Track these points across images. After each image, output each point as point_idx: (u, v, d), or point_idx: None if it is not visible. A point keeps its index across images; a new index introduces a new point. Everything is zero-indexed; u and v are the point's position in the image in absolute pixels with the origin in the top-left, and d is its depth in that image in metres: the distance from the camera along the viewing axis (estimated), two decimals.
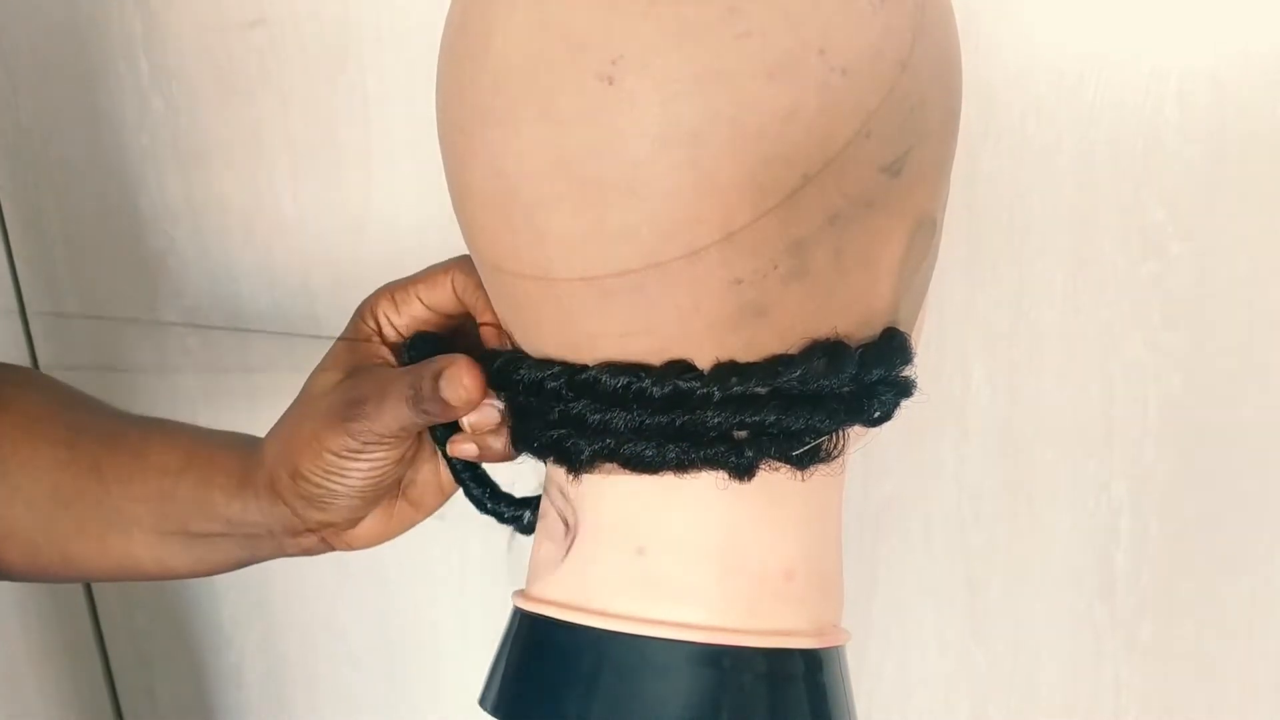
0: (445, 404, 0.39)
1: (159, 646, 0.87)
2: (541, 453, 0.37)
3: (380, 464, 0.41)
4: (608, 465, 0.35)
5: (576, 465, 0.36)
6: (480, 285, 0.40)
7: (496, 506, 0.43)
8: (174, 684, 0.88)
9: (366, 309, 0.44)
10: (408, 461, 0.43)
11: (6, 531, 0.46)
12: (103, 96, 0.72)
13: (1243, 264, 0.63)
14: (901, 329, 0.36)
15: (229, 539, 0.45)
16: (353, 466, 0.41)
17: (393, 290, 0.43)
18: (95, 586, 0.85)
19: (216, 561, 0.46)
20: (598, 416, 0.35)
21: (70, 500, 0.46)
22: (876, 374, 0.35)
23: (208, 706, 0.89)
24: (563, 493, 0.37)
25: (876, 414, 0.35)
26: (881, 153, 0.32)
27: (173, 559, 0.46)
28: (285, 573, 0.82)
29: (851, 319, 0.35)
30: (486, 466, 0.44)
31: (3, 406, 0.47)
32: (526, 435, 0.38)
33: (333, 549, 0.46)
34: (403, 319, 0.43)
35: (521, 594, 0.38)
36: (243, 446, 0.46)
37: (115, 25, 0.70)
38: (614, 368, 0.34)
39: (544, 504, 0.39)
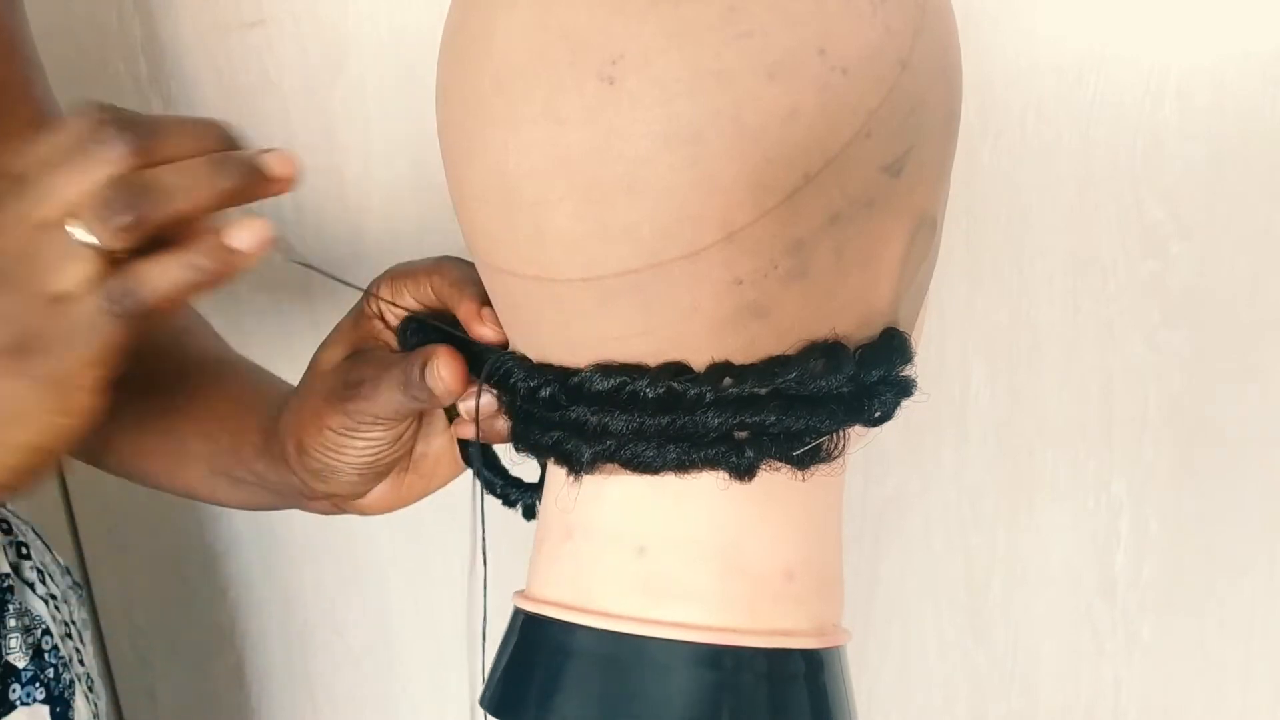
0: (431, 392, 0.40)
1: (159, 646, 0.87)
2: (542, 454, 0.37)
3: (376, 443, 0.42)
4: (608, 466, 0.35)
5: (577, 467, 0.36)
6: (456, 285, 0.41)
7: (505, 489, 0.44)
8: (174, 684, 0.88)
9: (374, 287, 0.45)
10: (408, 440, 0.44)
11: (106, 438, 0.51)
12: (102, 97, 0.72)
13: (1242, 263, 0.63)
14: (901, 329, 0.36)
15: (260, 488, 0.48)
16: (350, 444, 0.42)
17: (392, 279, 0.44)
18: (94, 585, 0.85)
19: (258, 503, 0.50)
20: (597, 419, 0.35)
21: (148, 426, 0.50)
22: (876, 374, 0.35)
23: (208, 706, 0.89)
24: (563, 492, 0.37)
25: (877, 414, 0.35)
26: (882, 152, 0.32)
27: (222, 494, 0.50)
28: (286, 573, 0.82)
29: (851, 319, 0.35)
30: (498, 449, 0.44)
31: None
32: (527, 436, 0.38)
33: (345, 512, 0.48)
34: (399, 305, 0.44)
35: (522, 594, 0.38)
36: (277, 406, 0.47)
37: (114, 26, 0.70)
38: (607, 369, 0.34)
39: (544, 503, 0.39)
